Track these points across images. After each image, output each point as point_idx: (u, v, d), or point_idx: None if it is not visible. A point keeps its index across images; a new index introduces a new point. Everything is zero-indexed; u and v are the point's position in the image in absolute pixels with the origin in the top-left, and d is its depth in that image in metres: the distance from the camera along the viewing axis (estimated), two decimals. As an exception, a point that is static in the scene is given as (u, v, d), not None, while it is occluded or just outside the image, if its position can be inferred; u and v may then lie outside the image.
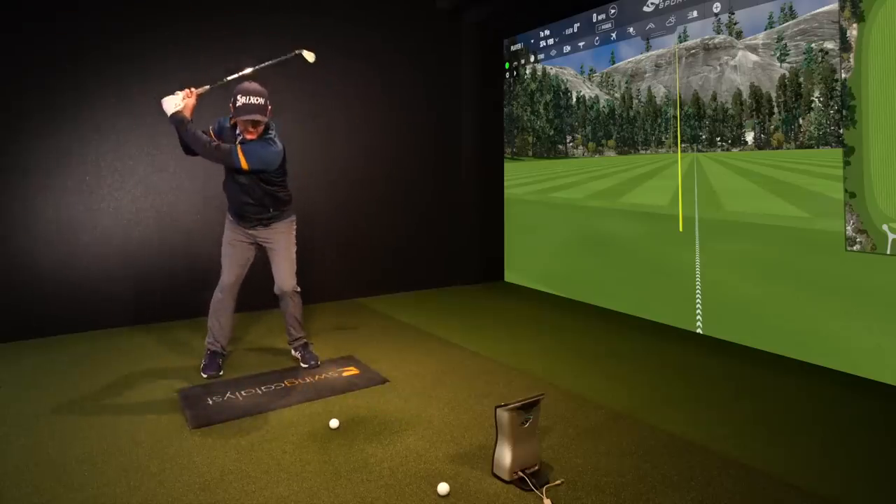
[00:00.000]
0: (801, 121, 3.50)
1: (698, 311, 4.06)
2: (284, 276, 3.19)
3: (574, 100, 5.31)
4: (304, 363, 3.29)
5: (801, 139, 3.51)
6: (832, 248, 3.29)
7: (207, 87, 2.97)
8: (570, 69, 5.34)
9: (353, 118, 5.25)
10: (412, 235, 5.65)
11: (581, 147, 5.24)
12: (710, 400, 2.82)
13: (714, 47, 4.06)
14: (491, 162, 6.18)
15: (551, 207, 5.48)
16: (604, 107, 4.99)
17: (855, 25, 3.18)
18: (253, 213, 3.10)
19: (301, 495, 1.93)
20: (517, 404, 1.99)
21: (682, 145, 4.27)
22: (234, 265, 3.14)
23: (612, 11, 4.84)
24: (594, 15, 5.00)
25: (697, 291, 4.07)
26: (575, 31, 5.24)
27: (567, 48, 5.34)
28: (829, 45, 3.32)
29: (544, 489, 1.94)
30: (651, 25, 4.51)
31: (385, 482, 2.02)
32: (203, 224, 4.46)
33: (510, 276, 6.08)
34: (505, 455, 2.00)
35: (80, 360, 3.44)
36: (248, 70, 3.01)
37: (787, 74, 3.58)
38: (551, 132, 5.59)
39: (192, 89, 2.93)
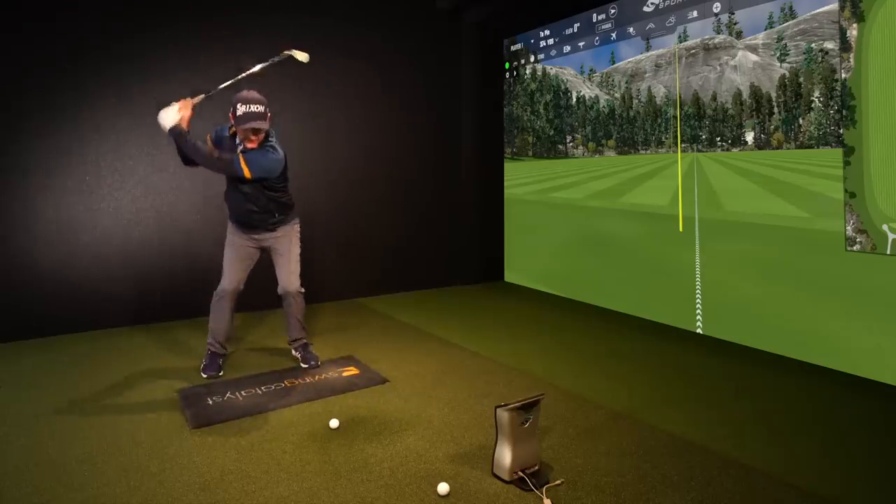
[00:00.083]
0: (801, 121, 3.50)
1: (698, 311, 4.06)
2: (289, 277, 3.21)
3: (574, 100, 5.31)
4: (304, 363, 3.30)
5: (801, 139, 3.51)
6: (832, 248, 3.29)
7: (202, 96, 2.92)
8: (570, 69, 5.34)
9: (353, 118, 5.25)
10: (412, 235, 5.65)
11: (581, 147, 5.24)
12: (710, 400, 2.82)
13: (714, 47, 4.06)
14: (491, 162, 6.18)
15: (551, 207, 5.48)
16: (604, 107, 4.99)
17: (855, 25, 3.18)
18: (258, 220, 3.10)
19: (301, 495, 1.93)
20: (517, 404, 1.99)
21: (682, 145, 4.27)
22: (238, 270, 3.14)
23: (612, 11, 4.84)
24: (594, 15, 5.00)
25: (697, 291, 4.07)
26: (575, 31, 5.24)
27: (567, 48, 5.34)
28: (829, 45, 3.32)
29: (544, 489, 1.94)
30: (651, 25, 4.51)
31: (385, 482, 2.02)
32: (203, 224, 4.46)
33: (510, 276, 6.08)
34: (505, 455, 2.00)
35: (80, 360, 3.44)
36: (241, 76, 2.96)
37: (787, 74, 3.58)
38: (551, 132, 5.59)
39: (188, 99, 2.89)
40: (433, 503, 1.89)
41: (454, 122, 5.93)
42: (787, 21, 3.57)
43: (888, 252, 3.04)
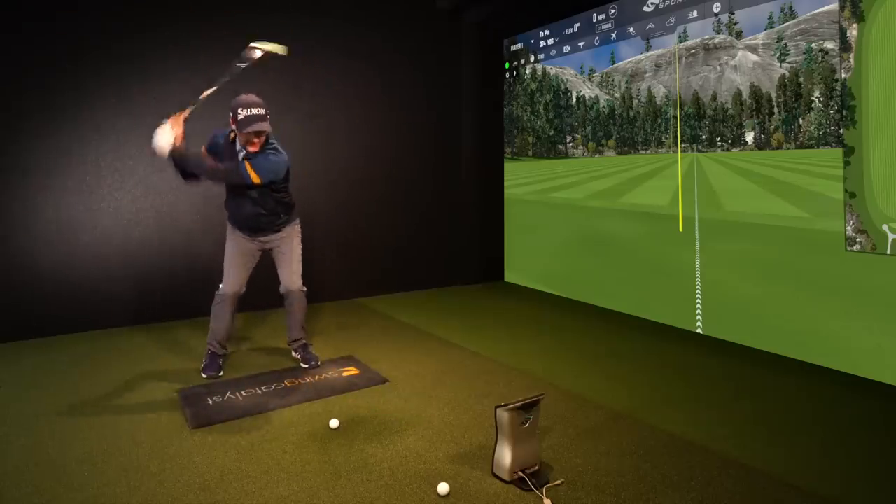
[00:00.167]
0: (801, 121, 3.50)
1: (698, 311, 4.06)
2: (293, 276, 3.22)
3: (574, 100, 5.31)
4: (304, 363, 3.30)
5: (801, 139, 3.51)
6: (832, 248, 3.29)
7: (189, 109, 2.84)
8: (570, 69, 5.34)
9: (353, 118, 5.25)
10: (412, 235, 5.65)
11: (581, 147, 5.24)
12: (710, 400, 2.82)
13: (714, 47, 4.06)
14: (491, 162, 6.18)
15: (551, 207, 5.48)
16: (604, 107, 4.99)
17: (855, 25, 3.18)
18: (266, 222, 3.10)
19: (301, 495, 1.93)
20: (517, 404, 1.99)
21: (682, 145, 4.27)
22: (240, 273, 3.14)
23: (612, 11, 4.84)
24: (594, 15, 5.00)
25: (697, 291, 4.07)
26: (575, 31, 5.24)
27: (567, 48, 5.34)
28: (829, 45, 3.32)
29: (544, 489, 1.94)
30: (651, 25, 4.51)
31: (385, 482, 2.02)
32: (203, 224, 4.46)
33: (510, 276, 6.08)
34: (505, 455, 2.00)
35: (80, 360, 3.44)
36: (224, 80, 2.84)
37: (787, 74, 3.58)
38: (551, 132, 5.59)
39: (177, 115, 2.83)
40: (433, 503, 1.89)
41: (454, 122, 5.93)
42: (787, 21, 3.57)
43: (888, 252, 3.04)
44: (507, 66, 6.15)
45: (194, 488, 1.97)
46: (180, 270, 4.40)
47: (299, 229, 3.29)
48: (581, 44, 5.18)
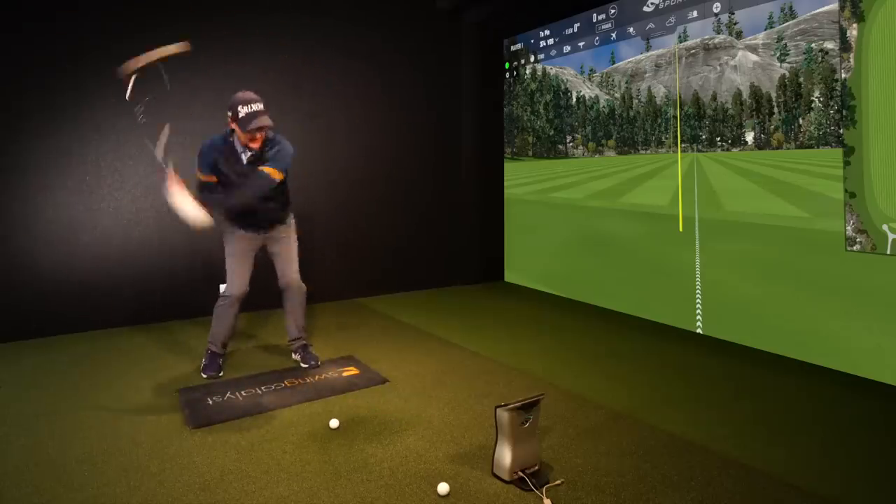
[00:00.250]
0: (801, 121, 3.50)
1: (698, 311, 4.06)
2: (293, 269, 3.24)
3: (574, 100, 5.31)
4: (303, 364, 3.29)
5: (801, 139, 3.51)
6: (832, 248, 3.29)
7: (171, 165, 2.82)
8: (570, 69, 5.34)
9: (353, 118, 5.25)
10: (412, 235, 5.65)
11: (581, 147, 5.24)
12: (710, 400, 2.82)
13: (714, 47, 4.06)
14: (491, 162, 6.18)
15: (551, 207, 5.48)
16: (604, 107, 4.99)
17: (855, 25, 3.17)
18: (273, 215, 3.12)
19: (301, 495, 1.93)
20: (517, 404, 1.99)
21: (682, 145, 4.27)
22: (245, 274, 3.13)
23: (612, 11, 4.84)
24: (594, 15, 5.00)
25: (697, 291, 4.07)
26: (575, 31, 5.24)
27: (567, 48, 5.34)
28: (829, 45, 3.32)
29: (544, 489, 1.94)
30: (651, 25, 4.51)
31: (385, 482, 2.02)
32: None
33: (510, 276, 6.08)
34: (505, 455, 2.00)
35: (80, 360, 3.44)
36: (165, 133, 2.84)
37: (787, 74, 3.58)
38: (551, 132, 5.59)
39: (171, 175, 2.85)
40: (433, 503, 1.89)
41: (454, 122, 5.93)
42: (787, 21, 3.57)
43: (888, 252, 3.04)
44: (507, 66, 6.15)
45: (194, 488, 1.97)
46: (180, 270, 4.40)
47: (294, 222, 3.31)
48: (581, 44, 5.18)
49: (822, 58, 3.36)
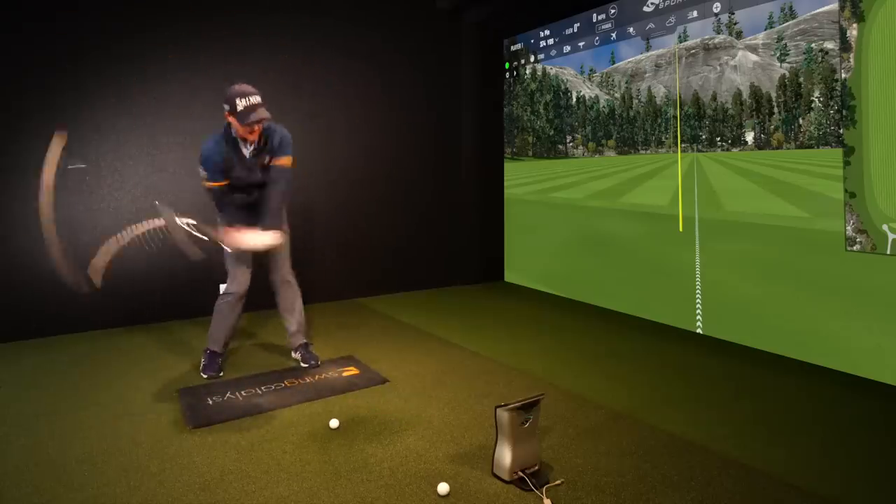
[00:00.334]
0: (801, 121, 3.50)
1: (698, 311, 4.06)
2: (288, 265, 3.25)
3: (574, 100, 5.31)
4: (304, 363, 3.29)
5: (801, 139, 3.51)
6: (832, 248, 3.29)
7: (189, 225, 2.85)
8: (570, 69, 5.34)
9: (353, 118, 5.25)
10: (412, 235, 5.65)
11: (581, 147, 5.24)
12: (710, 400, 2.82)
13: (714, 47, 4.06)
14: (491, 162, 6.18)
15: (551, 207, 5.48)
16: (604, 107, 4.99)
17: (855, 25, 3.17)
18: None
19: (301, 495, 1.93)
20: (517, 404, 1.99)
21: (682, 145, 4.27)
22: (247, 270, 3.12)
23: (612, 11, 4.84)
24: (594, 15, 5.00)
25: (697, 291, 4.07)
26: (575, 31, 5.24)
27: (567, 48, 5.34)
28: (829, 45, 3.32)
29: (544, 489, 1.94)
30: (651, 25, 4.51)
31: (385, 482, 2.02)
32: (203, 224, 4.44)
33: (510, 276, 6.08)
34: (505, 455, 2.00)
35: (80, 360, 3.44)
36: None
37: (787, 74, 3.58)
38: (551, 132, 5.59)
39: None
40: (433, 503, 1.89)
41: (454, 122, 5.93)
42: (787, 21, 3.57)
43: (888, 252, 3.04)
44: (507, 66, 6.15)
45: (194, 488, 1.97)
46: (180, 270, 4.39)
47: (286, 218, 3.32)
48: (581, 44, 5.18)
49: (822, 58, 3.36)
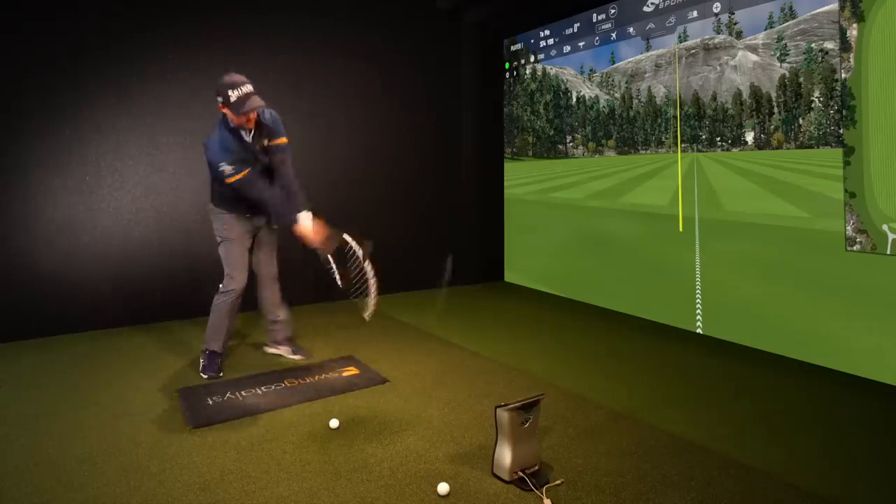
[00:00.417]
0: (801, 121, 3.50)
1: (698, 311, 4.06)
2: (275, 259, 3.26)
3: (574, 100, 5.31)
4: (293, 355, 3.34)
5: (801, 139, 3.51)
6: (832, 248, 3.29)
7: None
8: (570, 69, 5.34)
9: (353, 118, 5.25)
10: (412, 235, 5.64)
11: (581, 147, 5.24)
12: (710, 400, 2.82)
13: (714, 47, 4.06)
14: (491, 162, 6.18)
15: (551, 207, 5.48)
16: (604, 107, 4.99)
17: (855, 25, 3.17)
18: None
19: (301, 495, 1.93)
20: (517, 404, 1.99)
21: (682, 145, 4.27)
22: (246, 265, 3.13)
23: (612, 11, 4.84)
24: (594, 15, 5.00)
25: (697, 291, 4.07)
26: (575, 31, 5.24)
27: (567, 48, 5.34)
28: (829, 45, 3.32)
29: (544, 489, 1.94)
30: (651, 25, 4.51)
31: (385, 482, 2.02)
32: (203, 224, 4.43)
33: (510, 276, 6.08)
34: (505, 455, 2.00)
35: (80, 360, 3.44)
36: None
37: (787, 74, 3.58)
38: (551, 132, 5.59)
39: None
40: (433, 503, 1.89)
41: (454, 122, 5.93)
42: (787, 21, 3.57)
43: (888, 252, 3.04)
44: (507, 66, 6.15)
45: (194, 488, 1.97)
46: (180, 270, 4.40)
47: None
48: (581, 44, 5.18)
49: (822, 58, 3.36)
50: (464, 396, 2.82)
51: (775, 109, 3.66)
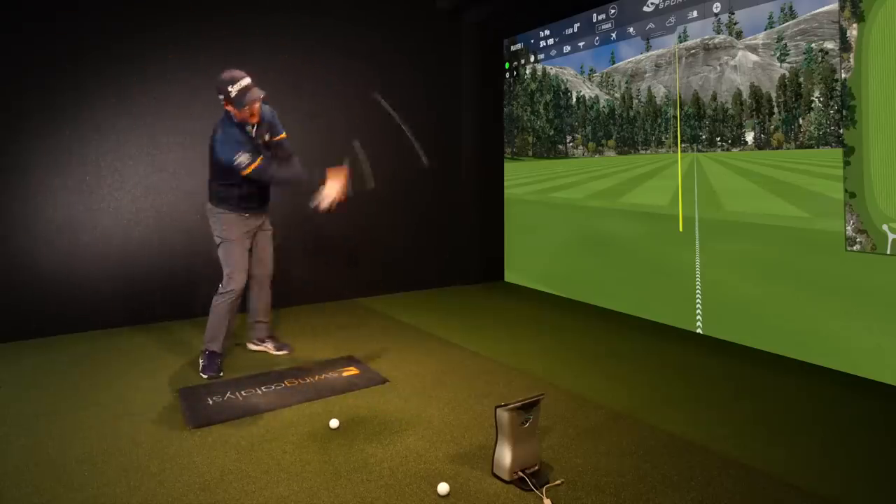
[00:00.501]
0: (801, 121, 3.50)
1: (698, 311, 4.06)
2: (271, 259, 3.29)
3: (574, 100, 5.30)
4: (276, 351, 3.41)
5: (801, 139, 3.51)
6: (832, 248, 3.29)
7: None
8: (570, 69, 5.34)
9: (353, 118, 5.24)
10: (412, 235, 5.65)
11: (581, 147, 5.24)
12: (710, 400, 2.81)
13: (714, 47, 4.06)
14: (491, 162, 6.18)
15: (551, 207, 5.48)
16: (604, 107, 4.99)
17: (855, 25, 3.17)
18: (268, 193, 3.21)
19: (301, 495, 1.93)
20: (517, 404, 1.99)
21: (682, 145, 4.27)
22: (246, 264, 3.15)
23: (612, 11, 4.84)
24: (594, 15, 5.00)
25: (697, 291, 4.07)
26: (575, 31, 5.24)
27: (567, 48, 5.34)
28: (829, 45, 3.32)
29: (544, 489, 1.94)
30: (651, 25, 4.51)
31: (385, 482, 2.02)
32: (203, 224, 4.44)
33: (510, 276, 6.08)
34: (505, 455, 2.00)
35: (80, 360, 3.44)
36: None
37: (787, 74, 3.58)
38: (551, 132, 5.59)
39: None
40: (433, 503, 1.89)
41: (454, 122, 5.93)
42: (787, 21, 3.57)
43: (888, 252, 3.04)
44: (507, 66, 6.15)
45: (194, 488, 1.97)
46: (180, 270, 4.40)
47: None
48: (581, 44, 5.18)
49: (822, 58, 3.36)
50: (464, 396, 2.82)
51: (775, 109, 3.66)
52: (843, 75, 3.25)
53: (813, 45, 3.41)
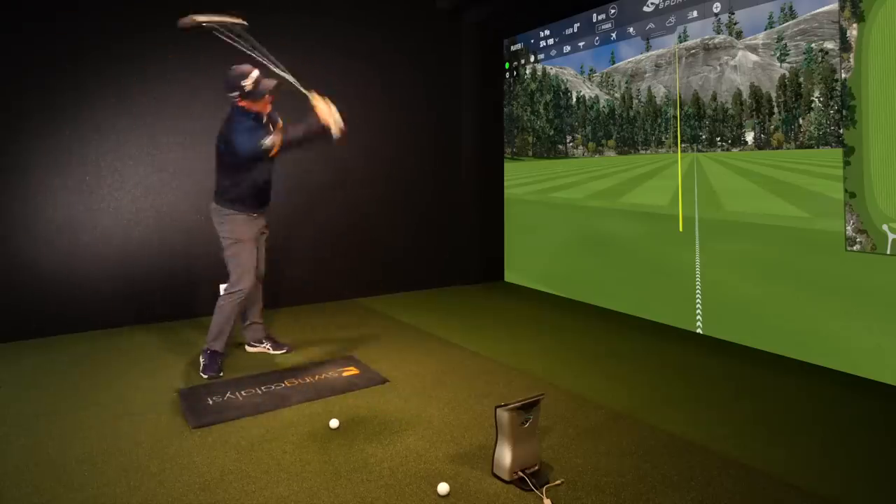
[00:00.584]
0: (801, 121, 3.50)
1: (698, 311, 4.06)
2: (264, 260, 3.36)
3: (574, 100, 5.31)
4: (275, 350, 3.45)
5: (801, 139, 3.51)
6: (832, 248, 3.29)
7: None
8: (570, 69, 5.34)
9: (353, 118, 5.22)
10: (412, 235, 5.65)
11: (581, 147, 5.24)
12: (710, 400, 2.82)
13: (714, 47, 4.06)
14: (491, 162, 6.18)
15: (551, 207, 5.48)
16: (604, 107, 4.99)
17: (855, 25, 3.17)
18: (270, 192, 3.25)
19: (301, 495, 1.93)
20: (517, 404, 1.99)
21: (682, 145, 4.27)
22: (255, 264, 3.19)
23: (612, 11, 4.84)
24: (594, 15, 5.00)
25: (697, 291, 4.07)
26: (575, 31, 5.24)
27: (567, 48, 5.34)
28: (829, 45, 3.32)
29: (544, 489, 1.94)
30: (651, 25, 4.51)
31: (385, 482, 2.02)
32: (203, 224, 4.45)
33: (510, 276, 6.08)
34: (505, 455, 2.00)
35: (80, 360, 3.44)
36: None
37: (787, 74, 3.58)
38: (551, 132, 5.59)
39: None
40: (433, 503, 1.89)
41: (454, 122, 5.93)
42: (787, 21, 3.57)
43: (888, 252, 3.04)
44: (507, 66, 6.15)
45: (194, 488, 1.97)
46: (180, 270, 4.40)
47: None
48: (581, 44, 5.18)
49: (822, 58, 3.36)
50: (464, 396, 2.82)
51: (775, 109, 3.66)
52: (843, 75, 3.25)
53: (813, 45, 3.41)
